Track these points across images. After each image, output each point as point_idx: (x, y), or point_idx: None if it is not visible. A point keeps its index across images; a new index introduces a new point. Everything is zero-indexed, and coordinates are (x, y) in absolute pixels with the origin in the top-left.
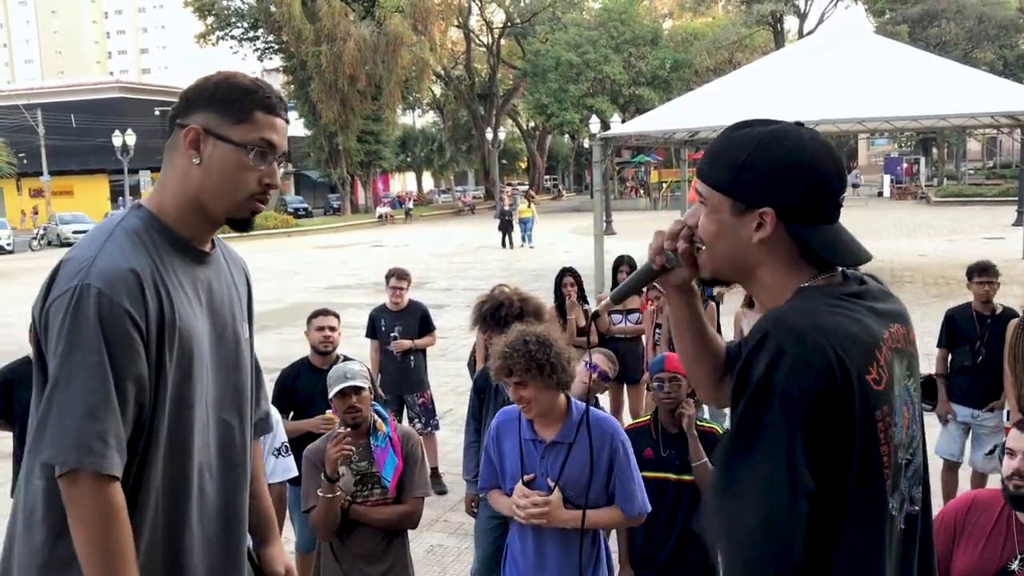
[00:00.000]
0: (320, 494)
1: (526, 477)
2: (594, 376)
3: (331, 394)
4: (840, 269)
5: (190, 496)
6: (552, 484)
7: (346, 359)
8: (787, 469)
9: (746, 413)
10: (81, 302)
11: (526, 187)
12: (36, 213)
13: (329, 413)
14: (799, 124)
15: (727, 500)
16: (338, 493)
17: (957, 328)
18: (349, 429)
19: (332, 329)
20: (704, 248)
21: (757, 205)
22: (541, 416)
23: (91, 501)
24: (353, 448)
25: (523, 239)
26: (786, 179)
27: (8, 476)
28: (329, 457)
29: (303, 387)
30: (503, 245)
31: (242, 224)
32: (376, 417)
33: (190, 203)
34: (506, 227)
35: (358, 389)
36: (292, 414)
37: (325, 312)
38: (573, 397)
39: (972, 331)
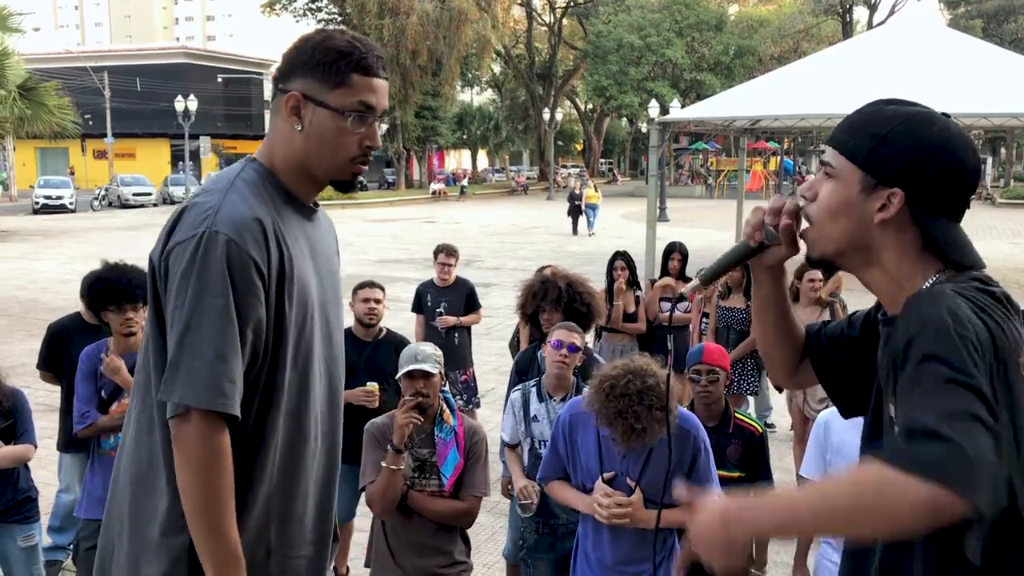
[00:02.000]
0: (384, 465)
1: (607, 475)
2: (565, 353)
3: (400, 373)
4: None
5: (308, 444)
6: (633, 484)
7: (389, 332)
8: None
9: (928, 364)
10: (210, 248)
11: (579, 169)
12: (72, 173)
13: (371, 385)
14: (946, 115)
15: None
16: (403, 466)
17: None
18: (411, 398)
19: (377, 302)
20: (814, 225)
21: (889, 183)
22: None
23: (202, 441)
24: (421, 419)
25: (588, 224)
26: (925, 162)
27: (54, 429)
28: (398, 424)
29: (345, 358)
30: (575, 232)
31: (345, 185)
32: (444, 406)
33: (296, 164)
34: (575, 212)
35: (427, 375)
36: None
37: (371, 284)
38: (545, 378)
39: None
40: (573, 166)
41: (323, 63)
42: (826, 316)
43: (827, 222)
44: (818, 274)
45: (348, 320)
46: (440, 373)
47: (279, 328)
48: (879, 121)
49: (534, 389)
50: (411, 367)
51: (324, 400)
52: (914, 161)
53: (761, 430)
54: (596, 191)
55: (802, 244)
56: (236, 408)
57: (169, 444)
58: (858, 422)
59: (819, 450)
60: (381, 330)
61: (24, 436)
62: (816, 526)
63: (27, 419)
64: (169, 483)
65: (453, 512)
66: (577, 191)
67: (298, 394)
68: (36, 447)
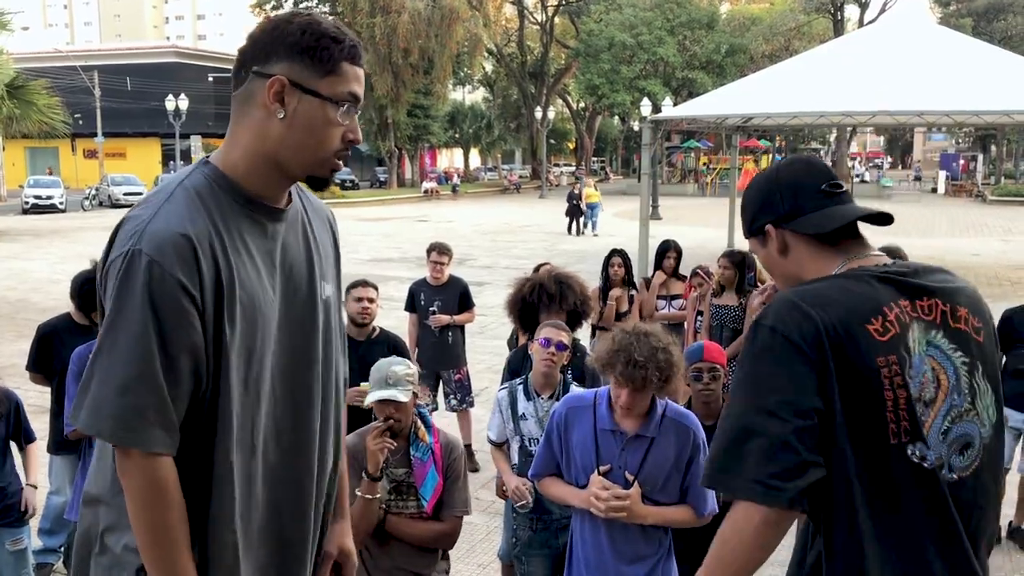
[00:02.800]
0: (358, 493)
1: (603, 468)
2: (552, 351)
3: (368, 398)
4: (881, 259)
5: (257, 470)
6: (631, 478)
7: (382, 331)
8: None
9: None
10: (131, 269)
11: (573, 168)
12: (51, 173)
13: (364, 385)
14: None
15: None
16: (379, 495)
17: (1014, 329)
18: (381, 421)
19: (371, 300)
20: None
21: (761, 230)
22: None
23: (139, 476)
24: (394, 444)
25: (586, 224)
26: (763, 199)
27: (45, 431)
28: (370, 451)
29: None
30: (569, 231)
31: (321, 183)
32: (419, 424)
33: (267, 159)
34: (574, 212)
35: (397, 403)
36: None
37: (364, 283)
38: (532, 376)
39: None
40: (566, 165)
41: (313, 48)
42: None
43: (775, 277)
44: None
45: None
46: (415, 393)
47: (219, 351)
48: (742, 209)
49: (521, 387)
50: (381, 395)
51: (288, 418)
52: (759, 206)
53: None
54: (596, 189)
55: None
56: (151, 443)
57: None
58: None
59: None
60: (374, 329)
61: (27, 435)
62: None
63: (25, 417)
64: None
65: (435, 535)
66: (576, 190)
67: (253, 422)
68: (35, 440)
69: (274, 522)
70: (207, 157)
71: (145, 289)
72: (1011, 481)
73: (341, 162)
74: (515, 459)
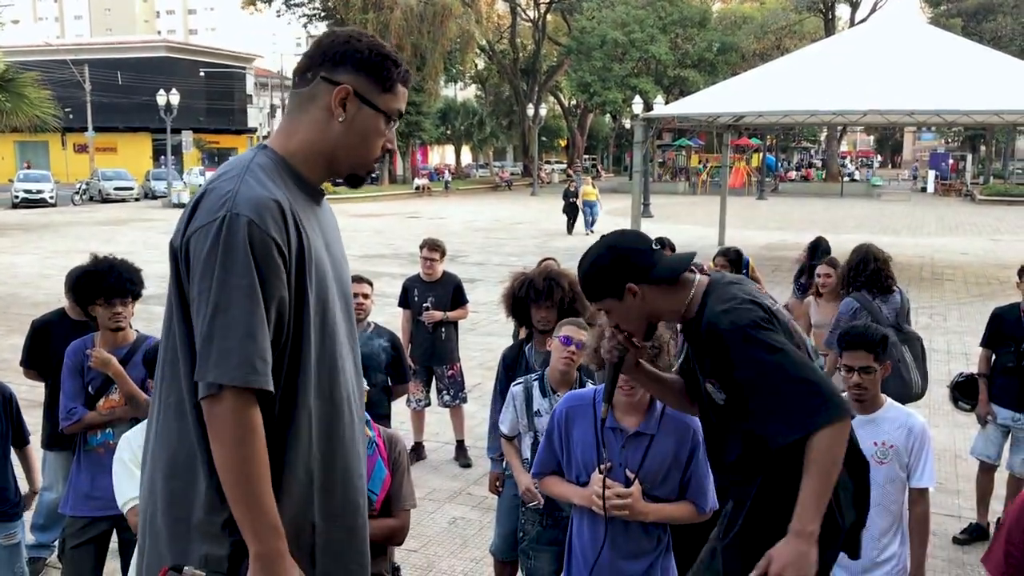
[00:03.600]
0: None
1: (604, 466)
2: (572, 349)
3: None
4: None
5: (342, 417)
6: (631, 476)
7: (377, 326)
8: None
9: (751, 352)
10: (232, 229)
11: (564, 165)
12: (28, 167)
13: None
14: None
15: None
16: None
17: (1003, 328)
18: None
19: (365, 296)
20: (628, 329)
21: (620, 291)
22: (633, 404)
23: (233, 418)
24: None
25: (585, 223)
26: (618, 268)
27: (38, 426)
28: None
29: None
30: (569, 231)
31: (359, 181)
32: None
33: (322, 154)
34: (571, 210)
35: None
36: None
37: (359, 279)
38: (549, 373)
39: (1019, 332)
40: (557, 162)
41: (378, 67)
42: None
43: (629, 323)
44: (825, 268)
45: None
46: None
47: (300, 307)
48: (587, 283)
49: (536, 383)
50: None
51: (354, 373)
52: (614, 274)
53: None
54: (594, 187)
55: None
56: (269, 383)
57: (203, 425)
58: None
59: None
60: (369, 324)
61: (21, 434)
62: (823, 498)
63: (18, 412)
64: (205, 463)
65: (388, 531)
66: (572, 188)
67: (329, 370)
68: (28, 443)
69: (347, 474)
70: (265, 143)
71: (247, 247)
72: (999, 478)
73: (377, 165)
74: (527, 454)
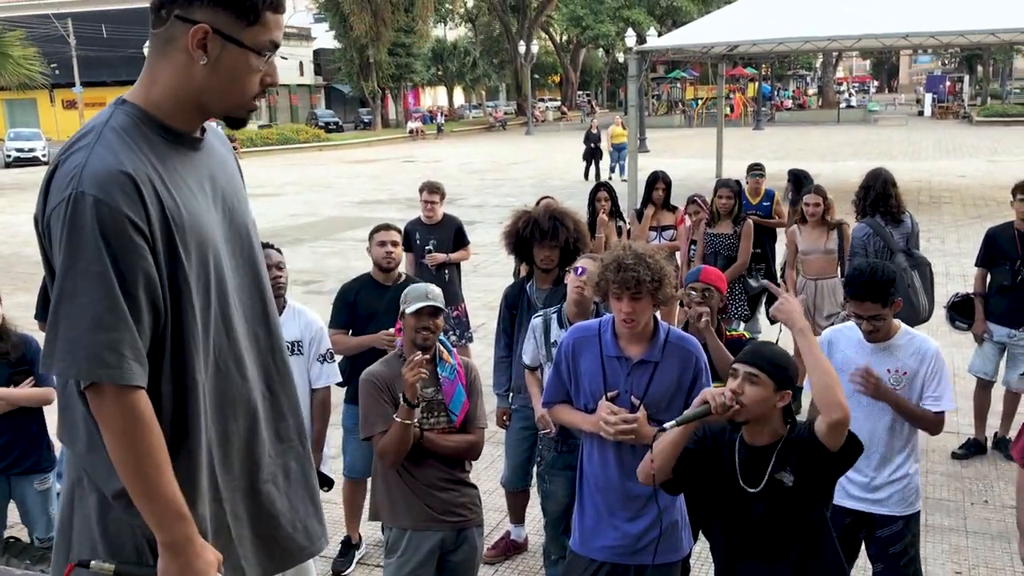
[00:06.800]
0: (397, 419)
1: (610, 394)
2: (585, 279)
3: (408, 309)
4: None
5: (235, 385)
6: (637, 402)
7: (408, 276)
8: None
9: None
10: (78, 211)
11: (558, 103)
12: None
13: (392, 329)
14: None
15: None
16: (415, 419)
17: (998, 247)
18: (421, 353)
19: (395, 244)
20: (748, 409)
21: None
22: (637, 333)
23: (117, 410)
24: (427, 373)
25: (612, 169)
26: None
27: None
28: (408, 381)
29: (364, 303)
30: (586, 177)
31: (239, 122)
32: (441, 347)
33: (189, 100)
34: (593, 155)
35: (436, 311)
36: (351, 330)
37: (387, 227)
38: (566, 305)
39: (1013, 250)
40: (551, 100)
41: None
42: (834, 238)
43: (756, 409)
44: (815, 198)
45: (335, 263)
46: (444, 315)
47: (177, 280)
48: (788, 364)
49: (555, 316)
50: (421, 304)
51: (247, 336)
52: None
53: (749, 336)
54: (624, 128)
55: None
56: (127, 377)
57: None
58: (861, 342)
59: None
60: (401, 275)
61: (44, 381)
62: (818, 371)
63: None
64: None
65: (467, 445)
66: (594, 130)
67: (226, 337)
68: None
69: (249, 445)
70: (123, 97)
71: (96, 228)
72: (996, 395)
73: (258, 102)
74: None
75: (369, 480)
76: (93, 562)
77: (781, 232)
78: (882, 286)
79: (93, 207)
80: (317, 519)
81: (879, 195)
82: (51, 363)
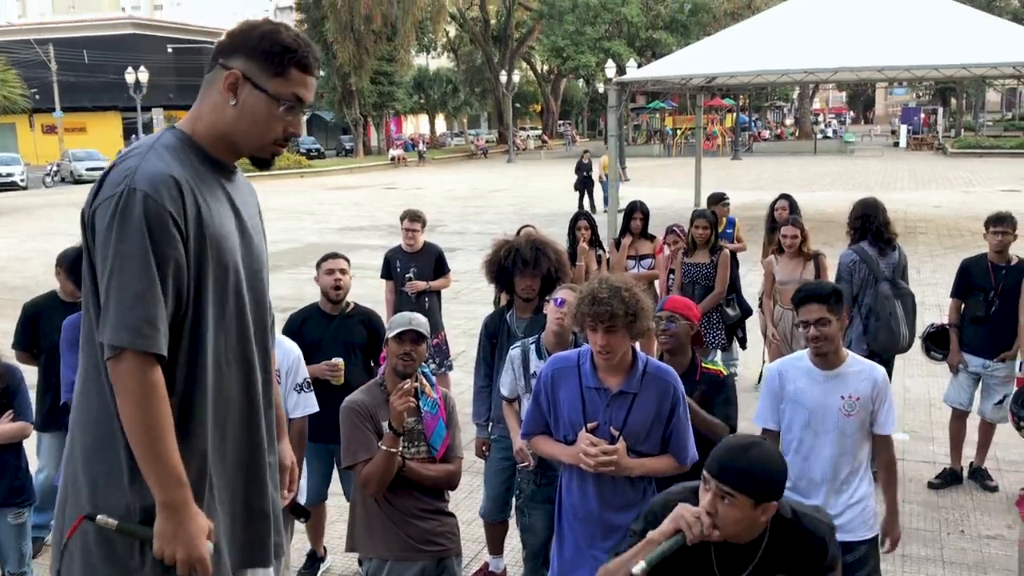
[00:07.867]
0: (383, 447)
1: (590, 425)
2: (565, 311)
3: (390, 334)
4: None
5: (228, 382)
6: (616, 433)
7: (356, 305)
8: None
9: None
10: (129, 203)
11: (539, 132)
12: None
13: (336, 360)
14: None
15: None
16: (400, 447)
17: (971, 278)
18: (407, 381)
19: (343, 272)
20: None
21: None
22: (615, 364)
23: (133, 377)
24: (414, 402)
25: (606, 200)
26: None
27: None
28: (396, 409)
29: (310, 332)
30: (580, 207)
31: (263, 163)
32: (424, 380)
33: (221, 137)
34: (584, 185)
35: (419, 337)
36: None
37: (335, 255)
38: (544, 336)
39: (986, 281)
40: (532, 128)
41: (268, 52)
42: (811, 269)
43: (733, 528)
44: (792, 229)
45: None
46: (426, 345)
47: (200, 273)
48: (770, 473)
49: (533, 346)
50: (404, 328)
51: (257, 340)
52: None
53: (726, 372)
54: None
55: None
56: (158, 347)
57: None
58: (811, 371)
59: (774, 399)
60: (348, 304)
61: (21, 414)
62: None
63: (24, 397)
64: (119, 420)
65: (446, 475)
66: (585, 160)
67: (236, 336)
68: (32, 425)
69: (244, 436)
70: (174, 124)
71: (143, 219)
72: (972, 424)
73: (283, 148)
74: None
75: (326, 503)
76: (99, 516)
77: (743, 257)
78: (825, 290)
79: (142, 201)
80: (287, 530)
81: (881, 224)
82: (104, 331)
